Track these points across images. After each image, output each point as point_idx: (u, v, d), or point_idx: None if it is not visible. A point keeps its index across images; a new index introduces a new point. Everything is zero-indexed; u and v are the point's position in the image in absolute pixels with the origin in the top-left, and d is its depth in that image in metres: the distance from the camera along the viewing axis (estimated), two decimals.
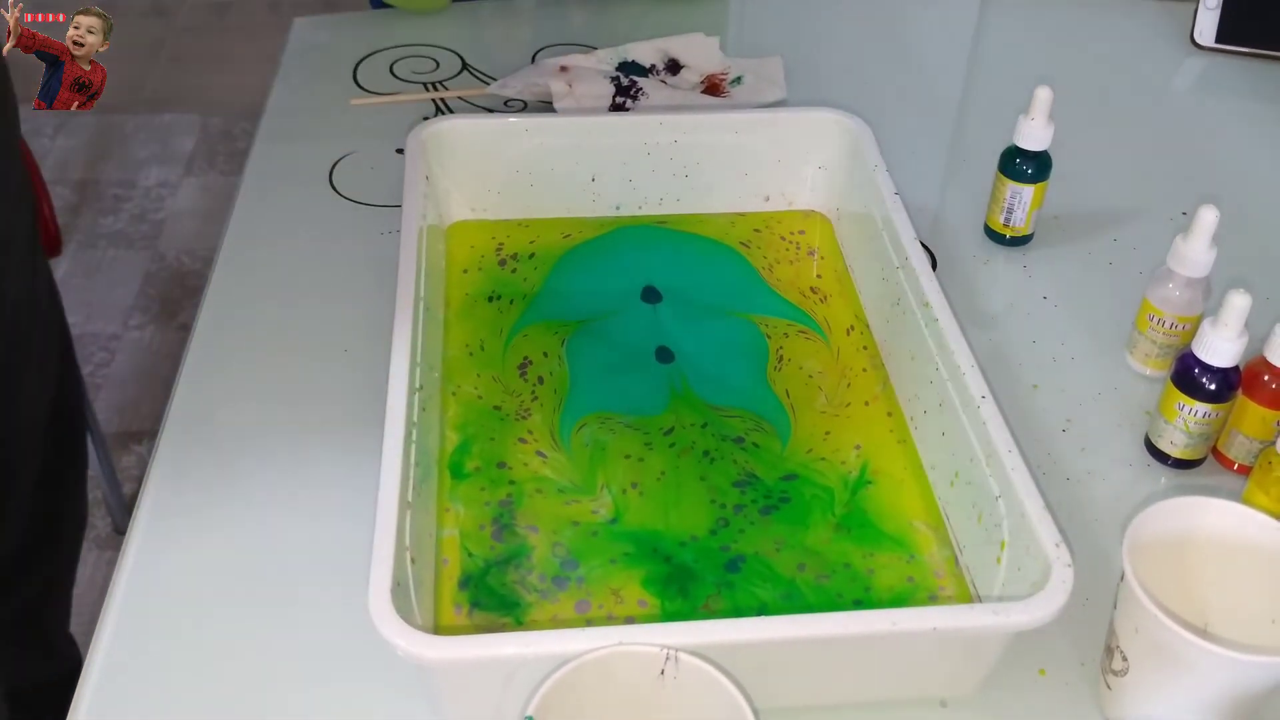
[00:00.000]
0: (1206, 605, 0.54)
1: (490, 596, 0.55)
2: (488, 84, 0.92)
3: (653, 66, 0.92)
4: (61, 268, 1.97)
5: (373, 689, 0.53)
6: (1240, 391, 0.62)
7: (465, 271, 0.74)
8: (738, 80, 0.92)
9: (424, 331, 0.62)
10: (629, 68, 0.91)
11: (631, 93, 0.87)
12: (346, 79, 0.94)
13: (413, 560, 0.52)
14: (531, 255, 0.75)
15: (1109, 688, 0.52)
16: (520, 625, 0.54)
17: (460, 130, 0.75)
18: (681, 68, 0.92)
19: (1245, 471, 0.64)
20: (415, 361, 0.59)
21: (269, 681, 0.54)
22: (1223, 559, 0.53)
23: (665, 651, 0.45)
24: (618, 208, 0.78)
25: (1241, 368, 0.62)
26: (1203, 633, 0.53)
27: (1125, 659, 0.51)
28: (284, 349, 0.70)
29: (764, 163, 0.78)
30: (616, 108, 0.87)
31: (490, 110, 0.90)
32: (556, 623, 0.54)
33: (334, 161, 0.85)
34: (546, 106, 0.89)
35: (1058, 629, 0.53)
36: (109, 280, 1.97)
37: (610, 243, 0.76)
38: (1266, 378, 0.62)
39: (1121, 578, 0.50)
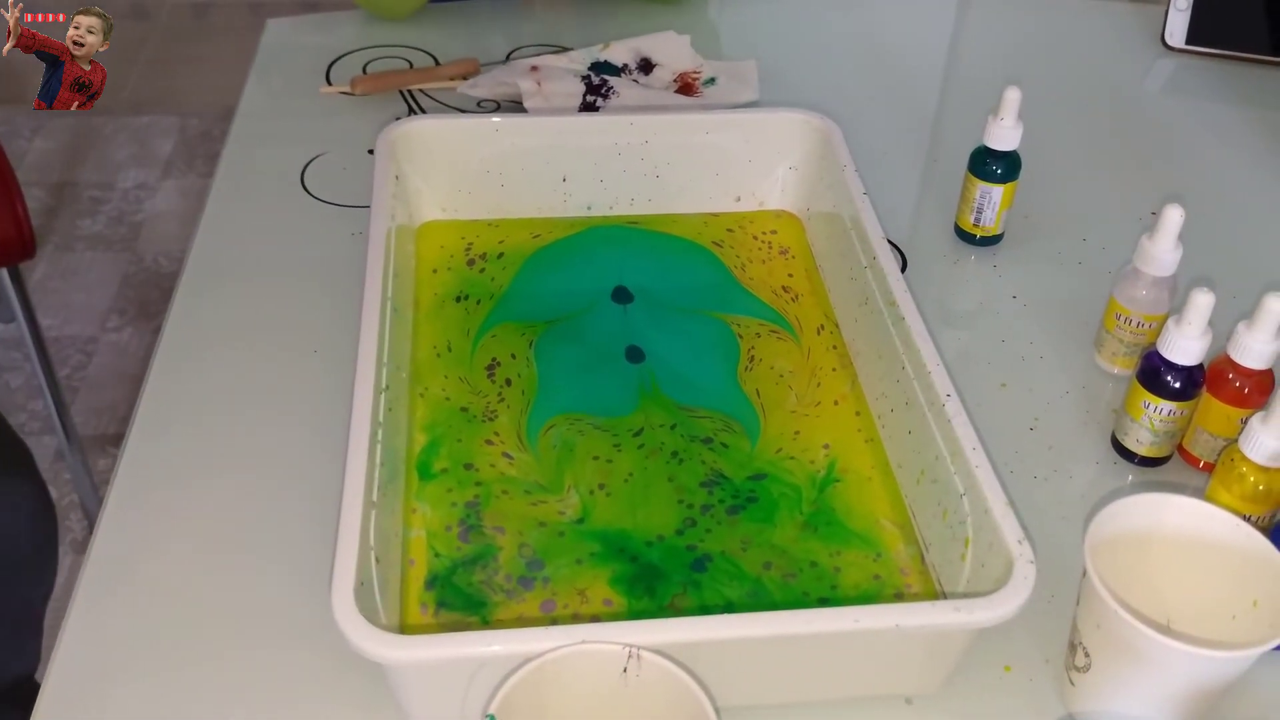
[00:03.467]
0: (1169, 601, 0.54)
1: (456, 596, 0.55)
2: (457, 85, 0.92)
3: (625, 66, 0.92)
4: (38, 270, 1.96)
5: (338, 688, 0.53)
6: (1205, 389, 0.63)
7: (434, 271, 0.73)
8: (711, 81, 0.92)
9: (391, 332, 0.62)
10: (601, 67, 0.91)
11: (602, 91, 0.87)
12: (319, 80, 0.94)
13: (377, 560, 0.52)
14: (500, 255, 0.75)
15: (1072, 684, 0.53)
16: (486, 625, 0.54)
17: (431, 130, 0.75)
18: (654, 66, 0.92)
19: (1210, 469, 0.65)
20: (382, 362, 0.59)
21: (234, 683, 0.53)
22: (1185, 555, 0.53)
23: (628, 650, 0.45)
24: (589, 208, 0.78)
25: (1206, 366, 0.63)
26: (1164, 629, 0.53)
27: (1087, 655, 0.51)
28: (253, 350, 0.70)
29: (735, 163, 0.79)
30: (587, 106, 0.87)
31: (462, 110, 0.90)
32: (522, 622, 0.54)
33: (306, 162, 0.85)
34: (518, 107, 0.89)
35: (1023, 625, 0.53)
36: (86, 283, 1.96)
37: (581, 243, 0.76)
38: (1230, 376, 0.62)
39: (1084, 574, 0.50)
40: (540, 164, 0.77)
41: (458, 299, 0.72)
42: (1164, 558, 0.54)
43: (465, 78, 0.92)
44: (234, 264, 0.77)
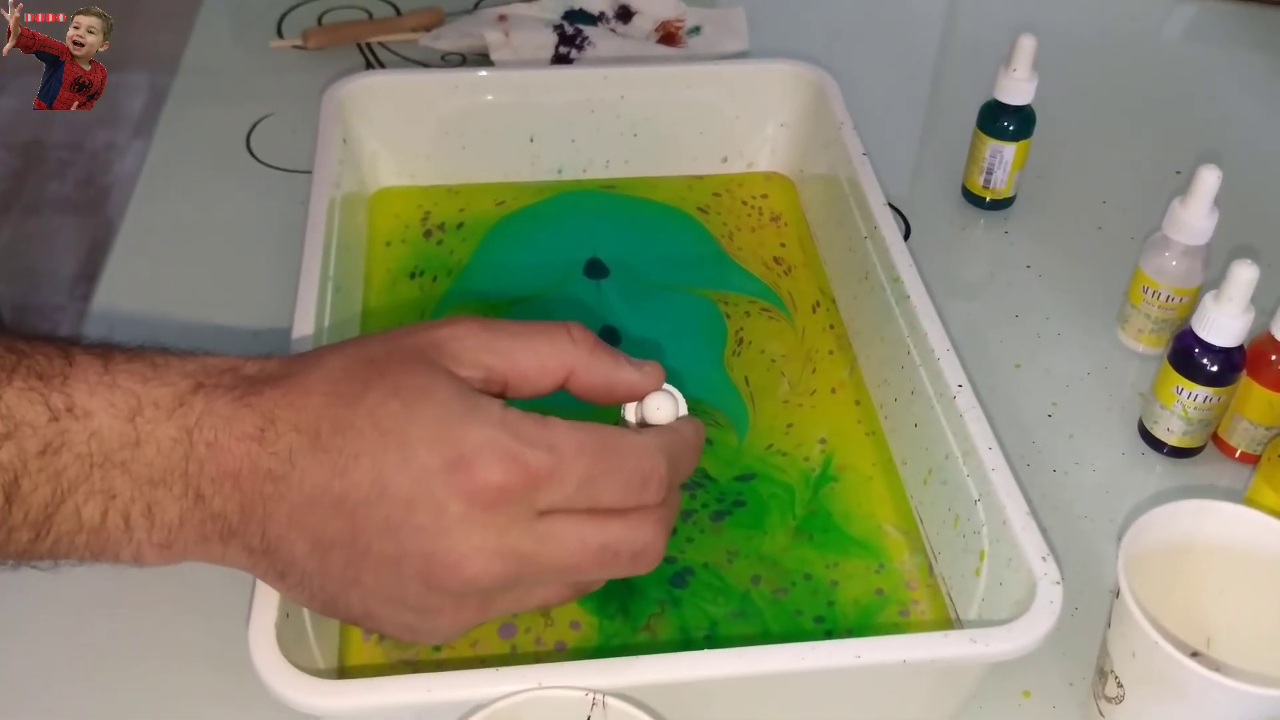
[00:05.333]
0: (1208, 617, 0.48)
1: None
2: (419, 37, 0.84)
3: (601, 14, 0.84)
4: (3, 236, 1.89)
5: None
6: (1244, 373, 0.56)
7: (388, 244, 0.66)
8: (695, 30, 0.84)
9: (332, 314, 0.55)
10: (575, 16, 0.83)
11: (576, 42, 0.80)
12: (270, 33, 0.86)
13: None
14: (460, 225, 0.68)
15: (1102, 715, 0.46)
16: (437, 652, 0.48)
17: (382, 87, 0.68)
18: (633, 15, 0.85)
19: (1248, 460, 0.58)
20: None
21: (143, 713, 0.47)
22: (1227, 567, 0.47)
23: (591, 696, 0.39)
24: (559, 171, 0.71)
25: (1246, 346, 0.56)
26: (1205, 655, 0.47)
27: (1120, 685, 0.45)
28: (190, 332, 0.63)
29: (721, 120, 0.71)
30: (560, 59, 0.80)
31: (424, 65, 0.83)
32: (476, 650, 0.48)
33: (252, 124, 0.78)
34: (485, 60, 0.81)
35: (1043, 644, 0.47)
36: (54, 248, 1.89)
37: (550, 210, 0.69)
38: (1274, 357, 0.55)
39: (1116, 593, 0.44)
40: (505, 123, 0.69)
41: (412, 275, 0.65)
42: (1203, 569, 0.48)
43: (428, 29, 0.84)
44: (171, 235, 0.70)
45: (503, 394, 0.42)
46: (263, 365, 0.41)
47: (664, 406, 0.44)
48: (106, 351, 0.40)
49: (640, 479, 0.40)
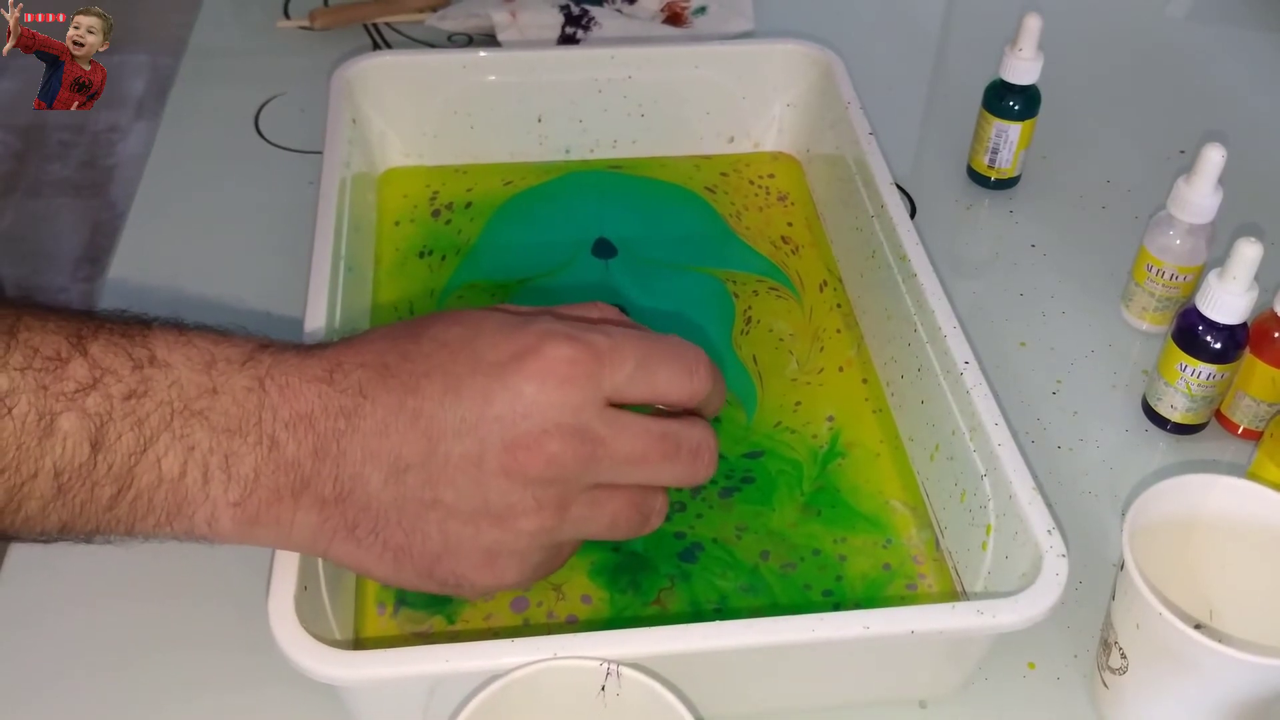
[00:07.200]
0: (1210, 589, 0.49)
1: (418, 593, 0.49)
2: (425, 18, 0.84)
3: None
4: (5, 219, 1.89)
5: (284, 701, 0.47)
6: (1248, 350, 0.57)
7: (397, 224, 0.67)
8: (701, 10, 0.84)
9: (344, 294, 0.56)
10: None
11: (583, 22, 0.80)
12: (276, 14, 0.86)
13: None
14: (468, 205, 0.68)
15: (1106, 686, 0.47)
16: (451, 624, 0.48)
17: (391, 67, 0.68)
18: None
19: (1250, 436, 0.59)
20: (333, 329, 0.53)
21: (165, 692, 0.48)
22: (1230, 540, 0.48)
23: (605, 666, 0.40)
24: (567, 151, 0.71)
25: (1249, 323, 0.57)
26: (1208, 627, 0.48)
27: (1124, 656, 0.45)
28: (201, 314, 0.63)
29: (728, 100, 0.72)
30: (566, 39, 0.80)
31: (431, 45, 0.83)
32: (490, 623, 0.48)
33: (261, 104, 0.78)
34: (491, 41, 0.82)
35: (1049, 617, 0.48)
36: (56, 230, 1.89)
37: (557, 190, 0.70)
38: (1278, 335, 0.56)
39: (1121, 566, 0.45)
40: (513, 103, 0.70)
41: (421, 254, 0.65)
42: (1207, 542, 0.48)
43: (434, 9, 0.85)
44: (181, 218, 0.70)
45: None
46: (318, 341, 0.44)
47: None
48: (178, 321, 0.42)
49: (688, 365, 0.43)
